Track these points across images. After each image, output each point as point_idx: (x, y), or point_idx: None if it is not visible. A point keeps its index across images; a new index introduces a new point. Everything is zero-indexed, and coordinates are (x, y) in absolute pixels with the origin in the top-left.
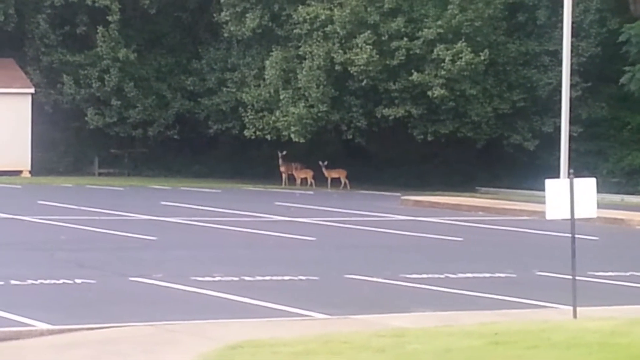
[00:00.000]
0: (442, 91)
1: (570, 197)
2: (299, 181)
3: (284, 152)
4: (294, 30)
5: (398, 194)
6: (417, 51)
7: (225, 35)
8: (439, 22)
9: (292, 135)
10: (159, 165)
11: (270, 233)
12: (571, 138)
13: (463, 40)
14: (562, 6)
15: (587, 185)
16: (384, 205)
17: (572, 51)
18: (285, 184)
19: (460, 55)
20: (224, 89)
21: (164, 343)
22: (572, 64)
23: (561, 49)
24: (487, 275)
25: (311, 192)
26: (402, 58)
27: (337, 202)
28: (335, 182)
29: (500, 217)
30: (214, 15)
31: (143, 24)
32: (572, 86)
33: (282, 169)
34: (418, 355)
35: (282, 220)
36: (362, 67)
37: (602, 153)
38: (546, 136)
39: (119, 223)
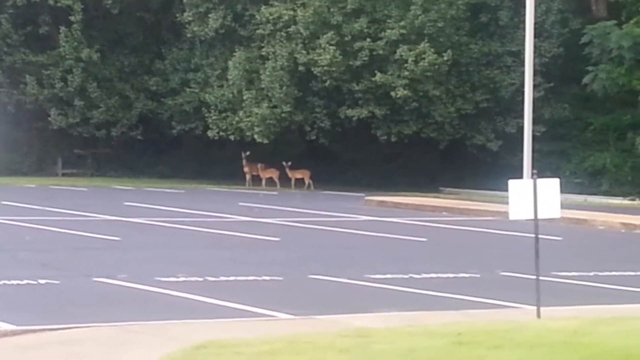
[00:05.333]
0: (405, 92)
1: (533, 197)
2: (264, 181)
3: (248, 153)
4: (257, 31)
5: (362, 194)
6: (380, 52)
7: (188, 35)
8: (402, 23)
9: (256, 136)
10: (122, 166)
11: (234, 233)
12: (534, 138)
13: (426, 40)
14: (524, 7)
15: (550, 186)
16: (347, 206)
17: (534, 52)
18: (249, 185)
19: (423, 56)
20: (187, 89)
21: (127, 343)
22: (534, 65)
23: (524, 49)
24: (451, 275)
25: (275, 193)
26: (365, 59)
27: (300, 202)
28: (299, 182)
29: (463, 218)
30: (177, 15)
31: (106, 24)
32: (534, 87)
33: (245, 169)
34: (382, 355)
35: (245, 221)
36: (325, 68)
37: (564, 154)
38: (509, 137)
39: (83, 223)
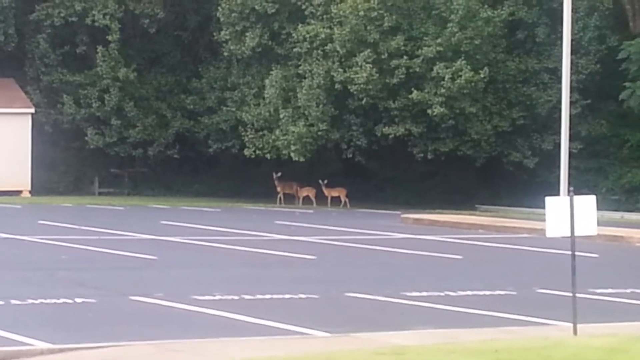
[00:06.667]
0: (442, 109)
1: (570, 214)
2: (301, 200)
3: (279, 174)
4: (294, 49)
5: (398, 212)
6: (417, 69)
7: (225, 54)
8: (439, 40)
9: (292, 154)
10: (159, 185)
11: (271, 252)
12: (571, 155)
13: (463, 58)
14: (561, 24)
15: (587, 203)
16: (384, 224)
17: (571, 68)
18: (280, 203)
19: (460, 73)
20: (224, 108)
21: None
22: (571, 81)
23: (560, 66)
24: (487, 292)
25: (311, 211)
26: (402, 76)
27: (337, 220)
28: (335, 200)
29: (500, 235)
30: (214, 34)
31: (143, 44)
32: (571, 103)
33: (278, 189)
34: None
35: (282, 239)
36: (361, 86)
37: (601, 170)
38: (546, 154)
39: (119, 242)
